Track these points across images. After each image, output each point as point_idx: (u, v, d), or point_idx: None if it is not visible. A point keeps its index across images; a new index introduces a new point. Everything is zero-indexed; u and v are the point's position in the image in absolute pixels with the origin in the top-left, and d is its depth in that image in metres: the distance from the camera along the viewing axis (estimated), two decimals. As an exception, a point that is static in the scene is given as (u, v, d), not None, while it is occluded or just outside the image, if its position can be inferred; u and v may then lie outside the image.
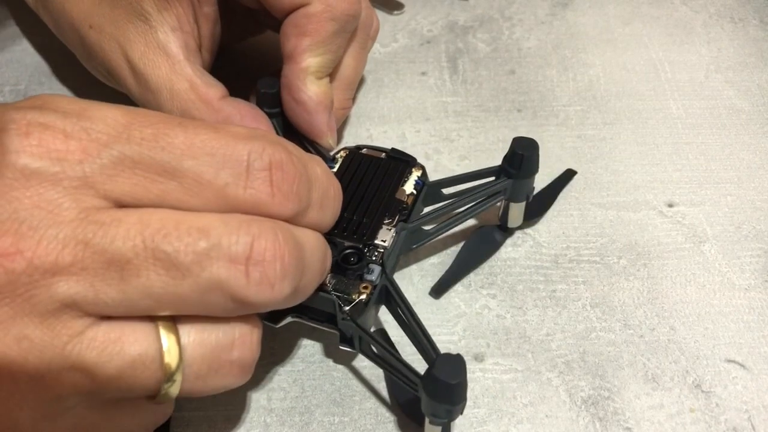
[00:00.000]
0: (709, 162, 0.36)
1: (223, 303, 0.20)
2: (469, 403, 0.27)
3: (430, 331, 0.29)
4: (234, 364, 0.21)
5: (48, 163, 0.19)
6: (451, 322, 0.30)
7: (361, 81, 0.40)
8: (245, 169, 0.20)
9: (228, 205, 0.20)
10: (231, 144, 0.20)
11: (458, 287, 0.31)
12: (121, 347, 0.19)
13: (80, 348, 0.19)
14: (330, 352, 0.29)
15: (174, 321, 0.20)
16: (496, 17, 0.45)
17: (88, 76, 0.36)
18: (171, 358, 0.20)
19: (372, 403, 0.27)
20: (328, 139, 0.32)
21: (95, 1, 0.32)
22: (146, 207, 0.20)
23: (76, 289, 0.19)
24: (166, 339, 0.20)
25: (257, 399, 0.27)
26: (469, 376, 0.28)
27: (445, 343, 0.29)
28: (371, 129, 0.38)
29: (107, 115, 0.20)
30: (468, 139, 0.37)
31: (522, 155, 0.29)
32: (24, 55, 0.42)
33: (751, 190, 0.35)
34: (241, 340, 0.21)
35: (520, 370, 0.28)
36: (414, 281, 0.31)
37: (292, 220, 0.22)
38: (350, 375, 0.28)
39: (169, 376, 0.20)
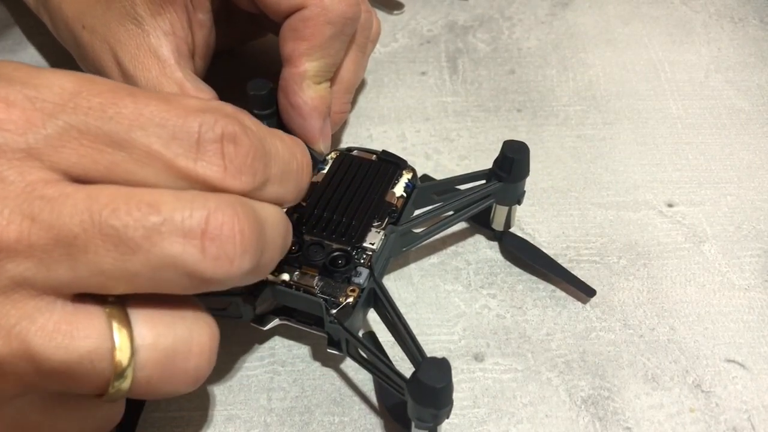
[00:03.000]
0: (709, 162, 0.36)
1: (178, 279, 0.19)
2: (468, 402, 0.27)
3: (430, 331, 0.29)
4: (188, 373, 0.21)
5: None
6: (451, 322, 0.30)
7: (362, 81, 0.40)
8: (196, 141, 0.20)
9: (180, 177, 0.20)
10: (182, 115, 0.20)
11: (458, 287, 0.31)
12: (72, 339, 0.19)
13: (28, 332, 0.18)
14: (330, 353, 0.29)
15: (128, 319, 0.19)
16: (496, 17, 0.45)
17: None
18: (122, 356, 0.19)
19: (372, 403, 0.27)
20: (320, 145, 0.31)
21: (90, 2, 0.32)
22: (96, 180, 0.19)
23: (26, 266, 0.18)
24: (119, 336, 0.19)
25: (257, 399, 0.27)
26: (469, 375, 0.28)
27: (445, 343, 0.29)
28: (371, 129, 0.38)
29: (54, 83, 0.19)
30: (468, 139, 0.37)
31: (512, 159, 0.29)
32: (24, 55, 0.42)
33: (751, 190, 0.35)
34: (199, 349, 0.21)
35: (520, 369, 0.28)
36: (414, 281, 0.31)
37: (249, 194, 0.21)
38: (350, 375, 0.28)
39: (118, 374, 0.19)
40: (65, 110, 0.19)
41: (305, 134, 0.31)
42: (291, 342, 0.29)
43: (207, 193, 0.20)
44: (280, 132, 0.23)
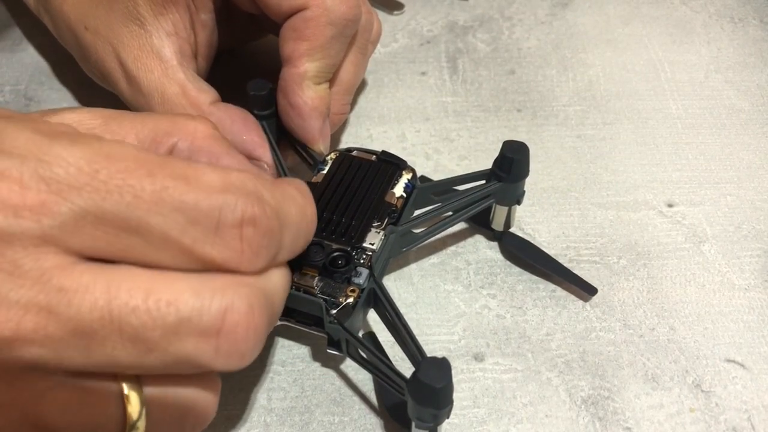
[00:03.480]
0: (708, 162, 0.36)
1: (188, 370, 0.20)
2: (468, 402, 0.27)
3: (430, 331, 0.29)
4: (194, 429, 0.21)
5: (3, 219, 0.17)
6: (451, 322, 0.30)
7: (362, 81, 0.40)
8: (215, 225, 0.19)
9: (195, 261, 0.19)
10: (202, 198, 0.19)
11: (458, 287, 0.31)
12: (83, 408, 0.19)
13: (42, 407, 0.18)
14: (330, 353, 0.29)
15: (140, 384, 0.20)
16: (496, 17, 0.45)
17: (87, 76, 0.36)
18: (132, 410, 0.19)
19: (372, 403, 0.27)
20: (319, 146, 0.31)
21: (92, 4, 0.32)
22: (111, 259, 0.19)
23: (40, 354, 0.18)
24: (134, 404, 0.19)
25: (257, 399, 0.27)
26: (469, 375, 0.28)
27: (445, 343, 0.29)
28: (371, 129, 0.38)
29: (69, 160, 0.18)
30: (468, 139, 0.37)
31: (512, 159, 0.29)
32: (24, 55, 0.42)
33: (751, 190, 0.35)
34: (203, 408, 0.21)
35: (520, 369, 0.28)
36: (414, 281, 0.31)
37: (263, 270, 0.21)
38: (350, 375, 0.28)
39: None
40: (81, 194, 0.18)
41: (305, 134, 0.31)
42: (291, 342, 0.29)
43: (223, 281, 0.20)
44: (291, 190, 0.23)
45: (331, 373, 0.28)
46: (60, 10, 0.34)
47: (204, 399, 0.21)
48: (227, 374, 0.28)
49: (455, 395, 0.27)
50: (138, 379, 0.20)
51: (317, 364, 0.29)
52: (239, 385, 0.28)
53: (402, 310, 0.30)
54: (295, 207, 0.22)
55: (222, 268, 0.20)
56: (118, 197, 0.18)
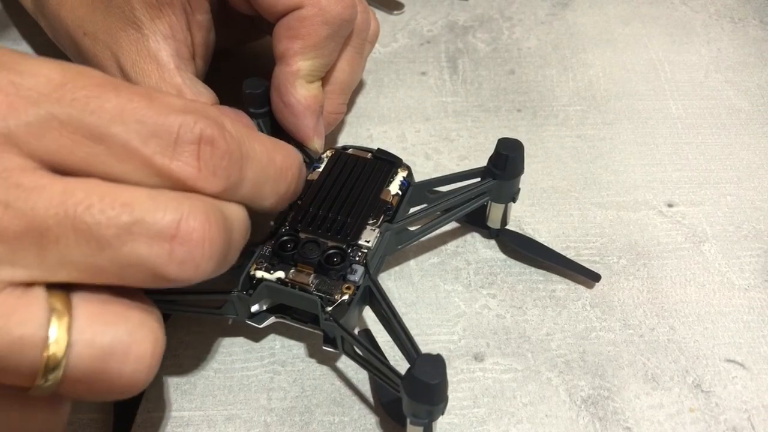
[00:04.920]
0: (708, 162, 0.36)
1: (143, 277, 0.20)
2: (468, 402, 0.27)
3: (430, 330, 0.29)
4: (123, 377, 0.20)
5: None
6: (451, 321, 0.30)
7: (361, 81, 0.40)
8: (174, 140, 0.20)
9: (155, 175, 0.20)
10: (163, 113, 0.20)
11: (458, 287, 0.31)
12: (5, 321, 0.18)
13: None
14: (329, 352, 0.29)
15: (71, 312, 0.19)
16: (496, 17, 0.45)
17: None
18: (56, 349, 0.19)
19: (372, 402, 0.27)
20: (314, 144, 0.31)
21: (90, 9, 0.32)
22: (73, 171, 0.19)
23: None
24: (56, 328, 0.19)
25: (257, 399, 0.27)
26: (469, 375, 0.28)
27: (445, 343, 0.29)
28: (371, 129, 0.38)
29: (41, 72, 0.19)
30: (468, 139, 0.37)
31: (506, 156, 0.29)
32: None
33: (751, 190, 0.35)
34: (137, 354, 0.20)
35: (519, 369, 0.28)
36: (414, 281, 0.31)
37: (222, 195, 0.21)
38: (350, 374, 0.28)
39: (49, 367, 0.19)
40: (49, 100, 0.19)
41: (298, 133, 0.31)
42: (291, 342, 0.29)
43: (182, 194, 0.20)
44: (262, 136, 0.23)
45: (331, 373, 0.28)
46: (57, 15, 0.34)
47: (138, 347, 0.20)
48: (227, 370, 0.28)
49: (455, 395, 0.27)
50: (70, 312, 0.19)
51: (317, 364, 0.29)
52: (239, 385, 0.28)
53: (402, 309, 0.30)
54: (262, 147, 0.23)
55: (181, 186, 0.20)
56: (84, 105, 0.19)
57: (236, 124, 0.22)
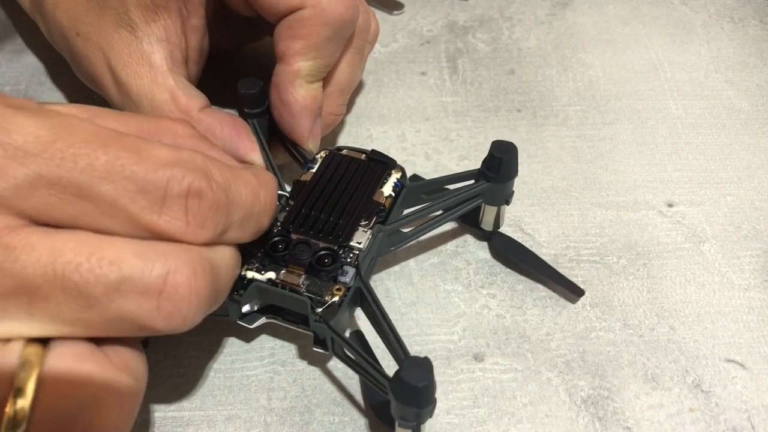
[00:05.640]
0: (708, 162, 0.36)
1: (131, 329, 0.20)
2: (468, 402, 0.27)
3: (430, 331, 0.29)
4: None
5: None
6: (451, 321, 0.30)
7: (361, 81, 0.40)
8: (162, 196, 0.20)
9: (143, 230, 0.20)
10: (151, 169, 0.20)
11: (458, 287, 0.31)
12: None
13: None
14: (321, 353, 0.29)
15: (39, 374, 0.19)
16: (496, 17, 0.45)
17: (88, 76, 0.36)
18: (23, 404, 0.19)
19: (362, 399, 0.27)
20: (308, 144, 0.31)
21: (84, 9, 0.32)
22: (61, 225, 0.20)
23: None
24: (27, 384, 0.19)
25: (257, 399, 0.27)
26: (469, 375, 0.28)
27: (445, 343, 0.29)
28: (371, 129, 0.38)
29: (29, 130, 0.19)
30: (468, 139, 0.37)
31: (500, 159, 0.29)
32: (24, 55, 0.42)
33: (751, 190, 0.35)
34: (103, 419, 0.20)
35: (519, 369, 0.28)
36: (414, 281, 0.31)
37: (208, 243, 0.22)
38: (350, 375, 0.28)
39: (16, 422, 0.19)
40: (37, 160, 0.19)
41: (294, 132, 0.31)
42: (291, 342, 0.29)
43: (168, 247, 0.20)
44: (247, 174, 0.24)
45: (331, 373, 0.28)
46: (53, 15, 0.33)
47: (106, 408, 0.20)
48: (227, 370, 0.28)
49: (455, 395, 0.27)
50: (39, 357, 0.19)
51: (317, 364, 0.29)
52: (239, 385, 0.28)
53: (402, 309, 0.30)
54: (247, 188, 0.23)
55: (168, 238, 0.21)
56: (72, 164, 0.19)
57: (223, 170, 0.22)
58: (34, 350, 0.19)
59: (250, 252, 0.27)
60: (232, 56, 0.40)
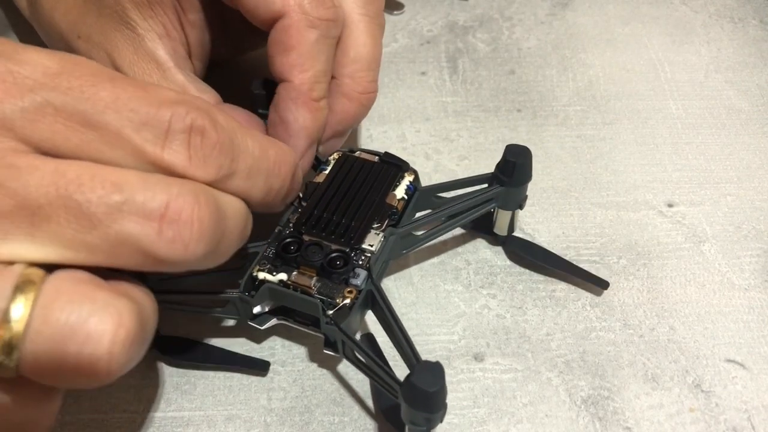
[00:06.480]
0: (709, 162, 0.36)
1: (133, 256, 0.20)
2: (468, 402, 0.27)
3: (430, 331, 0.29)
4: (81, 361, 0.19)
5: None
6: (451, 322, 0.30)
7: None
8: (165, 129, 0.20)
9: (146, 162, 0.20)
10: (156, 104, 0.20)
11: (458, 287, 0.31)
12: None
13: None
14: (330, 355, 0.29)
15: (38, 293, 0.19)
16: (496, 17, 0.45)
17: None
18: (18, 327, 0.19)
19: (372, 402, 0.27)
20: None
21: (82, 12, 0.32)
22: (66, 156, 0.20)
23: None
24: (21, 307, 0.19)
25: (257, 399, 0.27)
26: (469, 375, 0.28)
27: (445, 343, 0.29)
28: (371, 129, 0.38)
29: (38, 61, 0.20)
30: (468, 139, 0.37)
31: (514, 163, 0.29)
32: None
33: (751, 190, 0.35)
34: (96, 335, 0.19)
35: (519, 369, 0.28)
36: (414, 281, 0.31)
37: (214, 185, 0.22)
38: (350, 375, 0.28)
39: (12, 345, 0.19)
40: (44, 87, 0.19)
41: None
42: (291, 342, 0.29)
43: (172, 178, 0.20)
44: (255, 132, 0.24)
45: (331, 373, 0.28)
46: (51, 19, 0.33)
47: (96, 329, 0.19)
48: (224, 372, 0.28)
49: (455, 395, 0.27)
50: (38, 290, 0.19)
51: (317, 364, 0.29)
52: (239, 385, 0.28)
53: (402, 310, 0.30)
54: (254, 142, 0.23)
55: (172, 173, 0.21)
56: (79, 93, 0.20)
57: (228, 119, 0.22)
58: (33, 272, 0.19)
59: (263, 252, 0.27)
60: (234, 64, 0.40)
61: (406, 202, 0.30)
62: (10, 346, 0.19)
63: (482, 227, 0.32)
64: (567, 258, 0.32)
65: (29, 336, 0.19)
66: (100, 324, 0.19)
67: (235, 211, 0.23)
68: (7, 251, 0.19)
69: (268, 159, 0.24)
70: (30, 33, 0.43)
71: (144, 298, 0.21)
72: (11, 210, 0.19)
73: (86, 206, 0.19)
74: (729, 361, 0.29)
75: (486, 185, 0.30)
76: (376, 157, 0.31)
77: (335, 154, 0.31)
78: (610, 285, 0.31)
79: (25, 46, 0.20)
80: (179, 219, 0.20)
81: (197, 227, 0.20)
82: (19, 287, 0.19)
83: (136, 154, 0.20)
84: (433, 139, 0.37)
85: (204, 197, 0.21)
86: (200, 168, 0.21)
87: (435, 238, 0.30)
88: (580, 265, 0.32)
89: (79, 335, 0.19)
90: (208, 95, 0.31)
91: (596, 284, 0.30)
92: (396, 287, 0.31)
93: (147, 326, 0.21)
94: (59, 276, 0.20)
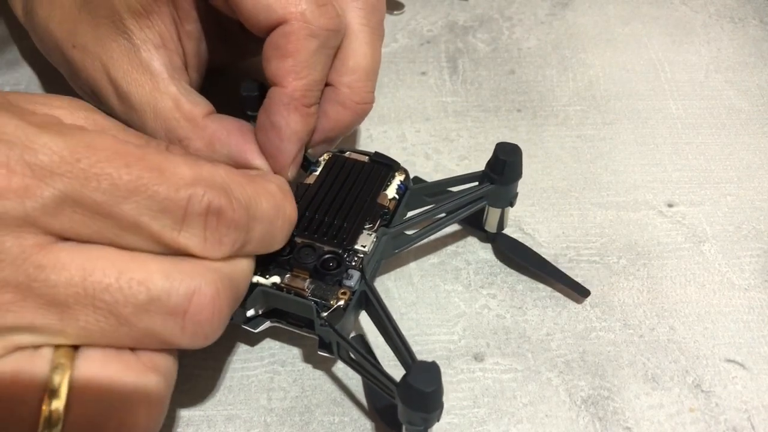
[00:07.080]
0: (708, 162, 0.36)
1: (156, 345, 0.21)
2: (468, 402, 0.27)
3: (430, 331, 0.29)
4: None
5: None
6: (451, 322, 0.30)
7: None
8: (183, 215, 0.21)
9: (163, 246, 0.21)
10: (174, 187, 0.21)
11: (458, 287, 0.31)
12: (12, 382, 0.20)
13: None
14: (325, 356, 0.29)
15: (72, 367, 0.20)
16: (496, 17, 0.45)
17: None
18: (57, 405, 0.20)
19: (366, 402, 0.27)
20: (287, 173, 0.29)
21: (78, 21, 0.31)
22: (85, 240, 0.20)
23: (13, 321, 0.19)
24: (59, 385, 0.20)
25: (257, 399, 0.27)
26: (469, 375, 0.28)
27: (445, 343, 0.29)
28: (371, 129, 0.38)
29: (53, 148, 0.20)
30: (468, 139, 0.37)
31: (504, 161, 0.29)
32: (24, 55, 0.42)
33: (751, 190, 0.35)
34: (131, 420, 0.21)
35: (519, 369, 0.28)
36: (414, 281, 0.31)
37: (227, 257, 0.23)
38: (350, 375, 0.28)
39: (52, 422, 0.20)
40: (62, 180, 0.20)
41: (278, 157, 0.29)
42: (291, 342, 0.29)
43: (191, 265, 0.21)
44: (270, 188, 0.24)
45: (331, 373, 0.28)
46: (46, 28, 0.33)
47: (133, 408, 0.21)
48: (227, 370, 0.28)
49: (455, 395, 0.27)
50: (70, 372, 0.20)
51: (317, 364, 0.29)
52: (239, 385, 0.28)
53: (402, 309, 0.30)
54: (269, 202, 0.24)
55: (189, 254, 0.22)
56: (96, 184, 0.20)
57: (244, 186, 0.23)
58: (64, 353, 0.20)
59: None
60: (231, 71, 0.40)
61: (398, 202, 0.30)
62: (51, 424, 0.20)
63: (474, 223, 0.32)
64: (567, 257, 0.32)
65: (70, 415, 0.20)
66: (137, 408, 0.21)
67: (246, 274, 0.24)
68: (37, 340, 0.20)
69: (285, 216, 0.25)
70: (28, 37, 0.43)
71: (168, 364, 0.23)
72: (40, 307, 0.20)
73: (114, 306, 0.20)
74: (729, 361, 0.29)
75: (477, 183, 0.30)
76: (366, 158, 0.31)
77: (325, 155, 0.31)
78: (611, 285, 0.31)
79: (38, 129, 0.20)
80: (201, 314, 0.21)
81: (217, 319, 0.22)
82: (55, 370, 0.20)
83: (154, 239, 0.21)
84: (433, 139, 0.37)
85: (222, 285, 0.22)
86: (216, 249, 0.22)
87: (427, 237, 0.30)
88: (580, 265, 0.32)
89: (117, 418, 0.21)
90: (200, 107, 0.30)
91: (577, 292, 0.30)
92: (396, 287, 0.31)
93: (170, 392, 0.23)
94: (88, 356, 0.21)
